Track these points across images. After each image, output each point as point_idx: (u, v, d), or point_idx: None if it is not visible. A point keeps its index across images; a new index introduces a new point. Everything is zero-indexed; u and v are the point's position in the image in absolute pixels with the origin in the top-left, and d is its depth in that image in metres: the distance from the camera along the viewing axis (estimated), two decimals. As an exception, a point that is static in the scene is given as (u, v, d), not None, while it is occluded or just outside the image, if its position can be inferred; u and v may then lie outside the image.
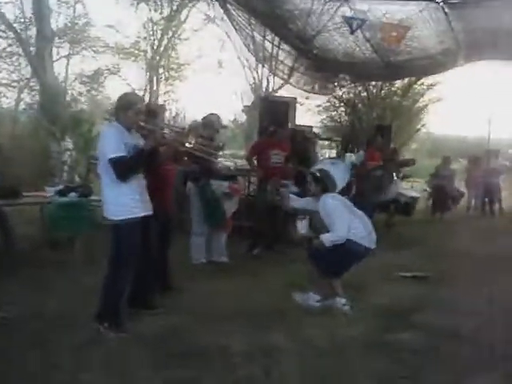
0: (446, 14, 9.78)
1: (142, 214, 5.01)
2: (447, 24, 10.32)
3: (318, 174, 6.21)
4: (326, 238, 5.87)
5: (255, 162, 8.99)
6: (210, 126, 7.48)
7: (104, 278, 5.03)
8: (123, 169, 4.82)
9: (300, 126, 12.28)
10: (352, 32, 10.17)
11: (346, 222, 5.85)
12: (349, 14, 10.13)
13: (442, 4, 9.40)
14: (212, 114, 7.73)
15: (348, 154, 12.27)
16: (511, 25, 10.25)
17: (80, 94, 27.98)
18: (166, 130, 5.52)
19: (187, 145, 5.46)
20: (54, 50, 23.68)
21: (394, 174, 11.49)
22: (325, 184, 6.10)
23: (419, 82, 20.16)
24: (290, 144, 9.07)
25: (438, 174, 15.26)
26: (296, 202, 6.60)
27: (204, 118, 7.64)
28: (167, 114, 5.97)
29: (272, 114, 10.59)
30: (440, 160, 16.46)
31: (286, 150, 8.90)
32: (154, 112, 5.74)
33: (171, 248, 6.38)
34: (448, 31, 10.77)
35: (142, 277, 5.35)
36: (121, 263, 4.96)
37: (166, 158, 5.46)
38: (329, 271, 6.01)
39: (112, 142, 4.85)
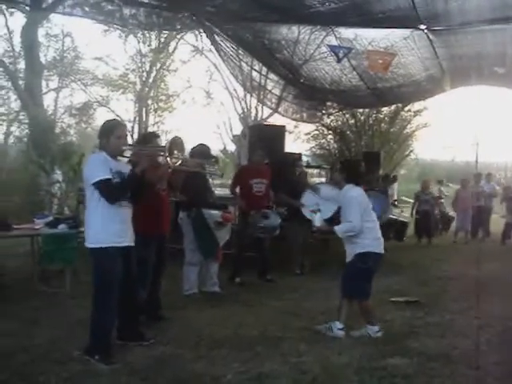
0: (430, 40, 9.92)
1: (124, 244, 5.02)
2: (432, 51, 10.47)
3: (344, 163, 6.56)
4: (340, 229, 5.94)
5: (238, 191, 8.94)
6: (199, 156, 7.49)
7: (91, 309, 5.02)
8: (110, 190, 4.87)
9: (289, 153, 12.35)
10: (339, 61, 10.30)
11: (359, 215, 5.83)
12: (335, 42, 10.27)
13: (426, 31, 9.54)
14: (202, 144, 7.74)
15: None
16: (495, 50, 10.42)
17: (69, 126, 28.16)
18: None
19: (173, 160, 5.51)
20: (43, 83, 23.85)
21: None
22: (348, 173, 6.13)
23: (406, 109, 20.43)
24: (270, 171, 8.97)
25: (418, 200, 15.27)
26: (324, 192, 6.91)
27: (194, 147, 7.65)
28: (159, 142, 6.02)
29: (262, 141, 10.63)
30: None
31: (266, 178, 8.76)
32: (146, 139, 5.83)
33: (163, 278, 6.36)
34: (433, 58, 10.93)
35: (129, 308, 5.32)
36: (103, 292, 4.95)
37: (157, 179, 5.51)
38: (362, 292, 5.95)
39: (96, 167, 4.92)
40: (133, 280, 5.22)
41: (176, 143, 6.90)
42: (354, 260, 5.93)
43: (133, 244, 5.15)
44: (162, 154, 5.59)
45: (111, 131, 5.03)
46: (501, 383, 4.64)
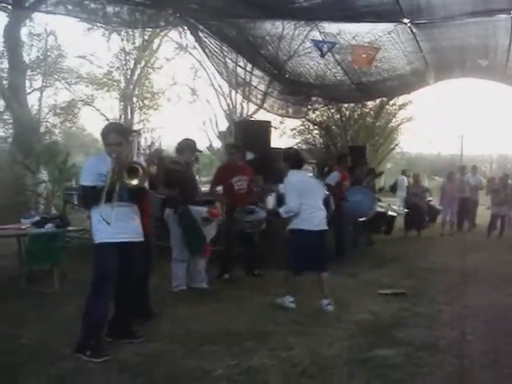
0: (413, 34, 9.97)
1: (119, 240, 5.02)
2: (415, 44, 10.53)
3: (285, 153, 7.32)
4: (282, 211, 6.75)
5: (220, 190, 8.91)
6: (185, 151, 7.51)
7: (84, 304, 5.03)
8: (84, 199, 5.19)
9: (276, 148, 12.37)
10: (322, 55, 10.32)
11: (295, 197, 6.57)
12: (319, 37, 10.30)
13: (409, 25, 9.59)
14: (186, 138, 7.75)
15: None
16: (478, 42, 10.51)
17: (54, 125, 27.95)
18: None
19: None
20: (27, 83, 23.71)
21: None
22: (290, 160, 6.97)
23: (391, 103, 20.49)
24: (250, 168, 8.97)
25: (409, 192, 15.34)
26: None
27: (179, 143, 7.66)
28: (141, 140, 6.03)
29: (248, 137, 10.64)
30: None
31: (247, 174, 8.75)
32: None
33: (151, 275, 6.37)
34: (416, 51, 10.98)
35: (122, 305, 5.33)
36: (96, 287, 4.98)
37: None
38: (290, 264, 6.72)
39: (85, 171, 5.12)
40: (129, 276, 5.23)
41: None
42: (288, 236, 6.82)
43: (135, 240, 5.17)
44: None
45: (104, 137, 5.12)
46: (488, 371, 4.70)
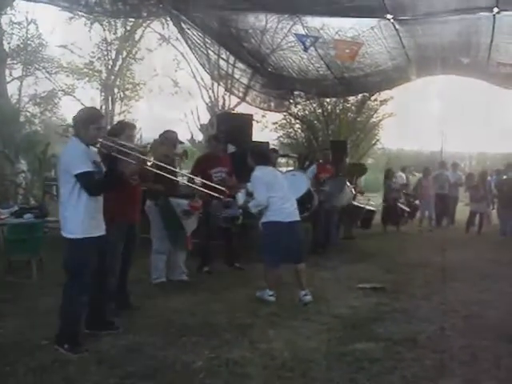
0: (396, 30, 10.02)
1: (100, 234, 5.00)
2: (398, 40, 10.58)
3: (252, 149, 7.41)
4: (251, 206, 6.83)
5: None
6: (167, 143, 7.48)
7: (62, 297, 4.98)
8: (94, 184, 4.81)
9: (257, 142, 12.34)
10: (305, 50, 10.33)
11: (263, 191, 6.64)
12: (302, 31, 10.30)
13: (392, 21, 9.62)
14: (169, 130, 7.73)
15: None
16: (460, 40, 10.58)
17: (34, 115, 27.61)
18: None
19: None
20: (7, 72, 23.41)
21: (348, 183, 11.48)
22: (256, 156, 7.01)
23: (373, 98, 20.50)
24: (229, 159, 8.90)
25: (385, 189, 15.24)
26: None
27: (161, 134, 7.63)
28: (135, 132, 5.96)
29: (230, 130, 10.61)
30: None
31: (226, 166, 8.63)
32: (122, 129, 5.78)
33: (131, 266, 6.34)
34: (399, 47, 11.03)
35: (99, 297, 5.31)
36: (77, 281, 4.92)
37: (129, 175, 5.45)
38: (267, 260, 6.79)
39: (79, 157, 4.79)
40: (105, 269, 5.21)
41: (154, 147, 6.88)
42: (261, 229, 6.85)
43: (104, 233, 5.11)
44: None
45: (92, 121, 4.90)
46: (466, 366, 4.75)
